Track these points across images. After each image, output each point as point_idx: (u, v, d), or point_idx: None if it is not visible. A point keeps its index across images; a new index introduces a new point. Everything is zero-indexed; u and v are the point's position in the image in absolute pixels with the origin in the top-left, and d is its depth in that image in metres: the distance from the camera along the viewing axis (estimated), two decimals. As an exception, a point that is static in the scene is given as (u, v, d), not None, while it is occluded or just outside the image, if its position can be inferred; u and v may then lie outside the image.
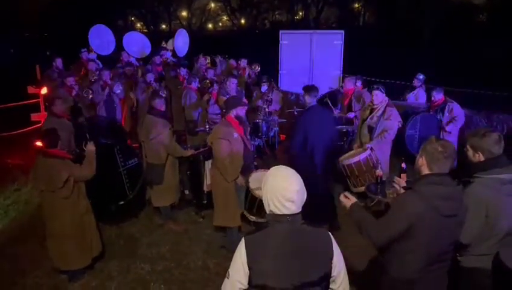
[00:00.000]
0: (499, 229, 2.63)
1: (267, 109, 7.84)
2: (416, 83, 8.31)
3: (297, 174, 2.07)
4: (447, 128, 6.62)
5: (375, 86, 5.64)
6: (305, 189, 2.06)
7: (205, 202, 5.67)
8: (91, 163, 4.25)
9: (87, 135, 5.04)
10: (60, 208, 4.09)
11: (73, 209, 4.15)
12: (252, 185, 4.79)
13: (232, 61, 10.39)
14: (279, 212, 2.00)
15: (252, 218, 4.86)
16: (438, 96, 6.81)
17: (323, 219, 5.26)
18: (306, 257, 1.97)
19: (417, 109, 7.58)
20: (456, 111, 6.62)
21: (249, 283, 1.99)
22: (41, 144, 4.12)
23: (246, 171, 4.84)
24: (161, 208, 5.63)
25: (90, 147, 4.33)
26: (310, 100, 5.00)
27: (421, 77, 8.34)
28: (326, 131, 5.06)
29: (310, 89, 5.05)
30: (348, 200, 2.80)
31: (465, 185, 2.69)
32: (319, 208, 5.19)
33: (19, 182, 6.66)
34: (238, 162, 4.58)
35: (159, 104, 5.37)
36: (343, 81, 10.45)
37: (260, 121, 7.75)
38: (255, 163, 6.07)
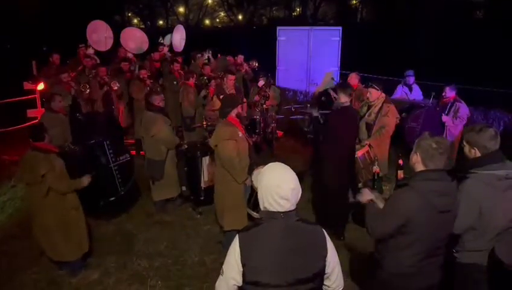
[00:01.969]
0: (494, 226, 2.65)
1: (264, 105, 7.83)
2: (410, 80, 8.10)
3: (293, 172, 2.06)
4: (443, 118, 6.60)
5: (369, 84, 5.64)
6: (300, 187, 2.05)
7: (202, 198, 5.68)
8: (74, 186, 4.19)
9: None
10: (43, 202, 4.06)
11: (57, 203, 4.12)
12: (256, 183, 4.75)
13: (230, 58, 10.38)
14: (273, 209, 2.00)
15: (256, 215, 4.83)
16: (450, 93, 6.65)
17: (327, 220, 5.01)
18: (300, 253, 1.97)
19: (424, 103, 7.57)
20: (462, 112, 6.51)
21: (243, 279, 1.98)
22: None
23: (250, 169, 4.79)
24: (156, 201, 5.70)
25: (85, 180, 4.29)
26: (344, 99, 4.67)
27: (412, 72, 8.13)
28: (354, 133, 4.89)
29: (344, 86, 4.75)
30: (366, 196, 2.90)
31: (461, 181, 2.71)
32: (328, 211, 5.09)
33: (15, 178, 6.64)
34: (245, 162, 4.47)
35: (158, 101, 5.36)
36: (341, 78, 10.49)
37: (257, 117, 7.74)
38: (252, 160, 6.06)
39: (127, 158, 5.65)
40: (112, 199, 5.47)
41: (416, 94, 8.12)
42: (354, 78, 6.97)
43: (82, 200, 4.43)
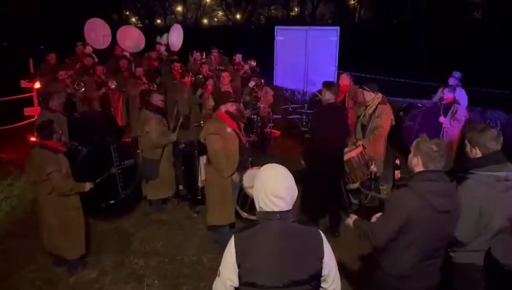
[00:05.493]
0: (492, 226, 2.65)
1: (255, 105, 7.82)
2: (452, 81, 7.62)
3: (288, 172, 2.05)
4: (440, 119, 6.60)
5: (362, 86, 5.63)
6: (295, 186, 2.04)
7: (200, 197, 5.68)
8: (76, 189, 4.20)
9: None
10: (46, 200, 4.09)
11: (59, 202, 4.13)
12: (246, 183, 4.79)
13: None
14: (268, 209, 1.99)
15: (244, 215, 4.88)
16: (448, 95, 6.65)
17: (320, 217, 5.23)
18: (296, 255, 1.95)
19: (421, 103, 7.59)
20: (460, 114, 6.50)
21: (239, 280, 1.97)
22: (34, 138, 4.12)
23: (242, 167, 4.81)
24: (152, 201, 5.71)
25: (87, 186, 4.32)
26: (329, 97, 4.88)
27: (458, 75, 7.72)
28: (340, 130, 4.98)
29: (330, 85, 4.96)
30: (351, 220, 2.91)
31: (461, 181, 2.70)
32: (319, 207, 5.21)
33: (12, 176, 6.62)
34: (233, 158, 4.52)
35: (156, 100, 5.35)
36: (339, 78, 10.47)
37: (255, 117, 7.73)
38: (250, 159, 6.07)
39: (131, 163, 5.65)
40: (112, 202, 5.48)
41: (459, 95, 7.35)
42: (345, 79, 7.00)
43: (83, 202, 4.41)
